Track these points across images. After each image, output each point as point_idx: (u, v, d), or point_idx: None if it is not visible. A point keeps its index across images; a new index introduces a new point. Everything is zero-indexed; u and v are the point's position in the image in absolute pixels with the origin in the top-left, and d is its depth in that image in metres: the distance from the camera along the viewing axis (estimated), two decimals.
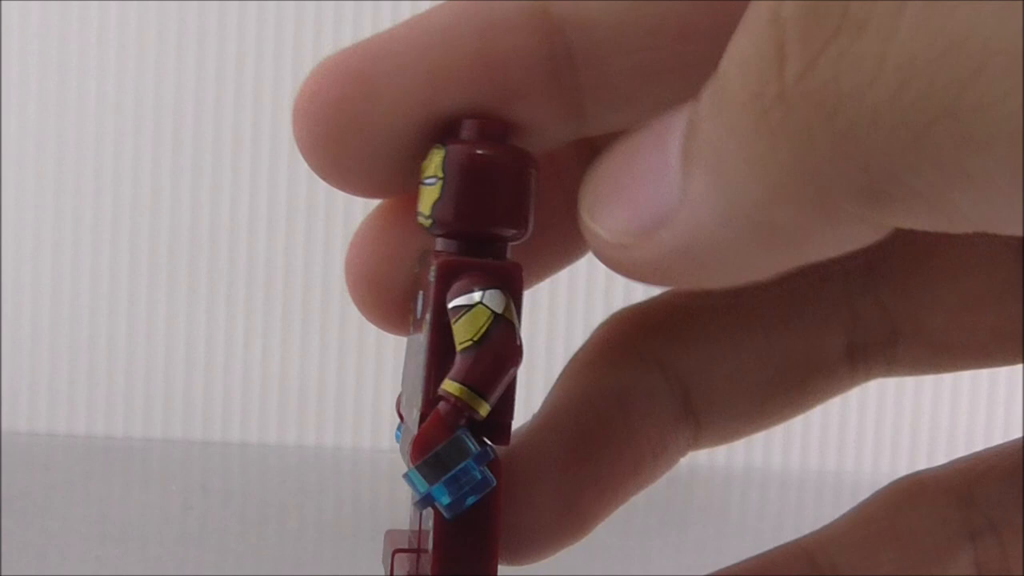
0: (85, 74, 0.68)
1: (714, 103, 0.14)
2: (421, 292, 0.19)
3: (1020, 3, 0.11)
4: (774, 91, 0.12)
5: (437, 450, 0.17)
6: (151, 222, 0.68)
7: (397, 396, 0.21)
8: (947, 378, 0.69)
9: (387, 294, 0.20)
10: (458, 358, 0.17)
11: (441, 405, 0.17)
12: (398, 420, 0.20)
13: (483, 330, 0.17)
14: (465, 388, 0.17)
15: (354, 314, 0.20)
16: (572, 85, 0.18)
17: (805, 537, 0.22)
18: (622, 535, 0.51)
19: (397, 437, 0.20)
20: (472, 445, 0.17)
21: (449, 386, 0.17)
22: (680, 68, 0.17)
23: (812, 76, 0.12)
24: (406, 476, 0.17)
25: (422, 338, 0.18)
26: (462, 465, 0.17)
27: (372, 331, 0.23)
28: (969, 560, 0.21)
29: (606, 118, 0.18)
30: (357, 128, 0.18)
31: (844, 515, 0.22)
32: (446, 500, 0.17)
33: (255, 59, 0.68)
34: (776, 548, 0.22)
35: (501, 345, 0.17)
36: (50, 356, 0.69)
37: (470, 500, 0.17)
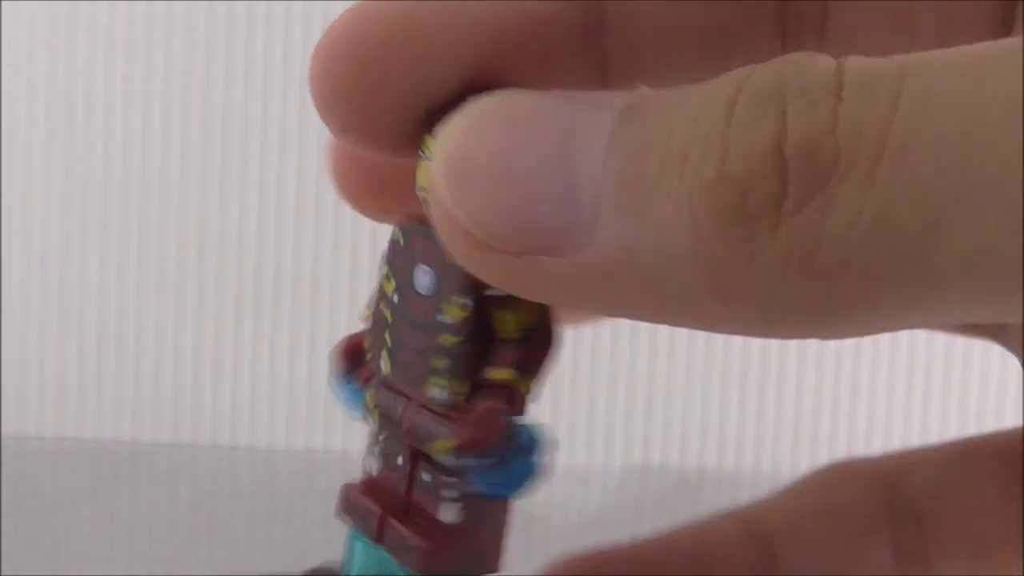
0: (91, 73, 0.68)
1: (675, 188, 0.14)
2: (419, 265, 0.18)
3: (975, 159, 0.12)
4: (769, 222, 0.13)
5: (502, 448, 0.17)
6: (158, 224, 0.68)
7: (338, 345, 0.20)
8: (954, 399, 0.69)
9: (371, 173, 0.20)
10: (512, 348, 0.17)
11: (498, 395, 0.17)
12: (338, 370, 0.20)
13: (536, 320, 0.17)
14: (523, 376, 0.17)
15: None
16: (600, 49, 0.18)
17: (743, 506, 0.23)
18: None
19: (343, 393, 0.20)
20: (536, 435, 0.18)
21: (509, 375, 0.17)
22: (701, 36, 0.18)
23: (803, 214, 0.13)
24: (476, 479, 0.17)
25: (441, 317, 0.18)
26: (524, 460, 0.17)
27: None
28: (887, 540, 0.22)
29: (624, 83, 0.18)
30: (388, 76, 0.17)
31: (781, 489, 0.23)
32: (504, 491, 0.18)
33: (263, 59, 0.68)
34: (715, 514, 0.23)
35: (553, 334, 0.18)
36: (57, 360, 0.69)
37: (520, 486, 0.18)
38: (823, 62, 0.13)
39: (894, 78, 0.13)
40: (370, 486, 0.19)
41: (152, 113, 0.68)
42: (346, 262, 0.68)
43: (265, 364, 0.69)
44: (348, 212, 0.73)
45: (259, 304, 0.69)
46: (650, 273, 0.14)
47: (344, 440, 0.68)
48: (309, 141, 0.67)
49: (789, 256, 0.13)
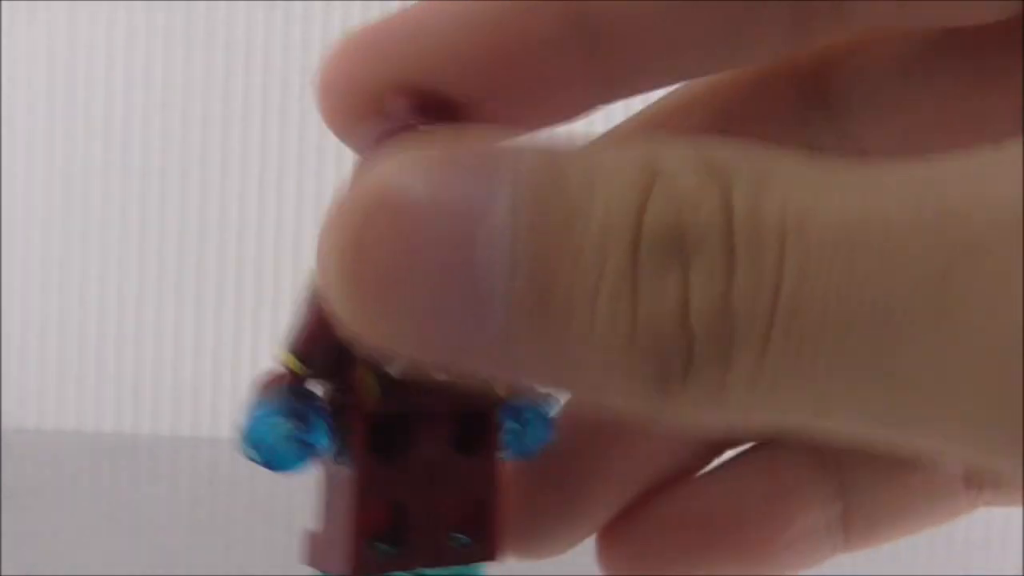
0: (91, 72, 0.68)
1: (587, 331, 0.14)
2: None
3: (854, 339, 0.13)
4: (676, 375, 0.14)
5: None
6: (159, 217, 0.68)
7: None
8: None
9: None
10: None
11: None
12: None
13: None
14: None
15: None
16: (596, 58, 0.18)
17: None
18: None
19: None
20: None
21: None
22: (694, 45, 0.18)
23: (707, 376, 0.14)
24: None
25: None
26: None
27: None
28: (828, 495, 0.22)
29: (630, 86, 0.19)
30: (367, 102, 0.18)
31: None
32: None
33: (262, 59, 0.68)
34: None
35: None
36: (58, 354, 0.69)
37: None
38: (712, 199, 0.14)
39: (776, 237, 0.13)
40: None
41: (152, 112, 0.68)
42: None
43: (265, 357, 0.69)
44: None
45: (259, 298, 0.69)
46: (571, 387, 0.15)
47: None
48: (309, 141, 0.67)
49: (697, 405, 0.14)
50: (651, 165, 0.14)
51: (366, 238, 0.14)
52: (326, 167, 0.66)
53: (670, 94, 0.21)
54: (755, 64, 0.20)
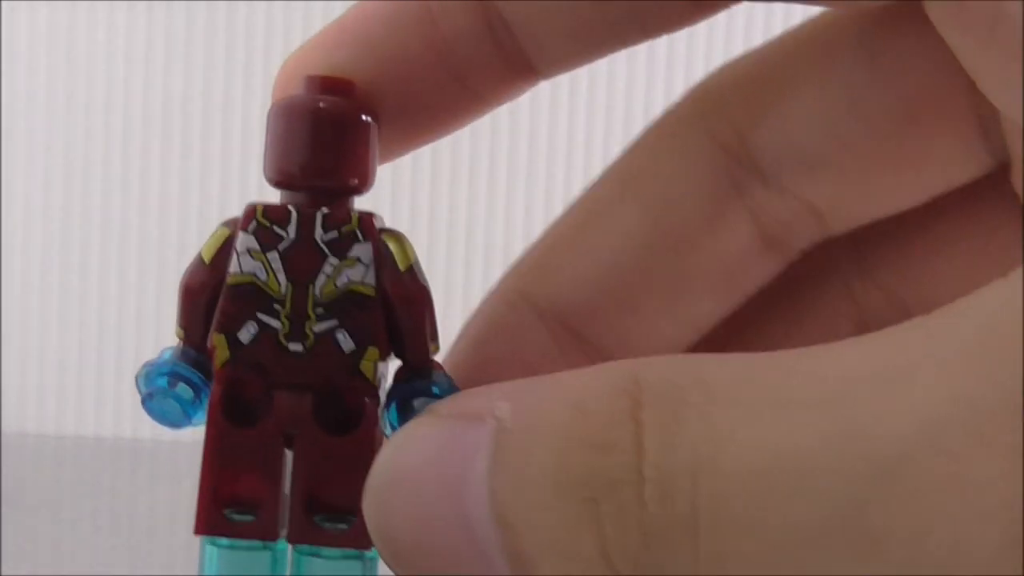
0: (92, 74, 0.68)
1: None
2: None
3: None
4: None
5: None
6: (158, 221, 0.68)
7: None
8: None
9: None
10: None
11: None
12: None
13: None
14: None
15: None
16: (513, 47, 0.19)
17: None
18: None
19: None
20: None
21: None
22: (608, 22, 0.19)
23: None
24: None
25: None
26: None
27: None
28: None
29: (551, 68, 0.20)
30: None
31: None
32: None
33: (263, 61, 0.68)
34: None
35: None
36: (59, 358, 0.69)
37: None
38: (626, 433, 0.14)
39: (689, 476, 0.13)
40: None
41: (152, 112, 0.68)
42: None
43: None
44: None
45: None
46: None
47: None
48: None
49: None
50: (580, 404, 0.15)
51: (382, 507, 0.16)
52: None
53: (594, 187, 0.21)
54: (662, 31, 0.20)
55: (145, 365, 0.19)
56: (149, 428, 0.75)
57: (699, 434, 0.13)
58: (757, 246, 0.20)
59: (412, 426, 0.16)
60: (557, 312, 0.20)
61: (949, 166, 0.20)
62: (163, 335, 0.69)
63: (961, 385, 0.12)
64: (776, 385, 0.13)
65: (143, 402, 0.19)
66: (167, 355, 0.19)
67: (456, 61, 0.19)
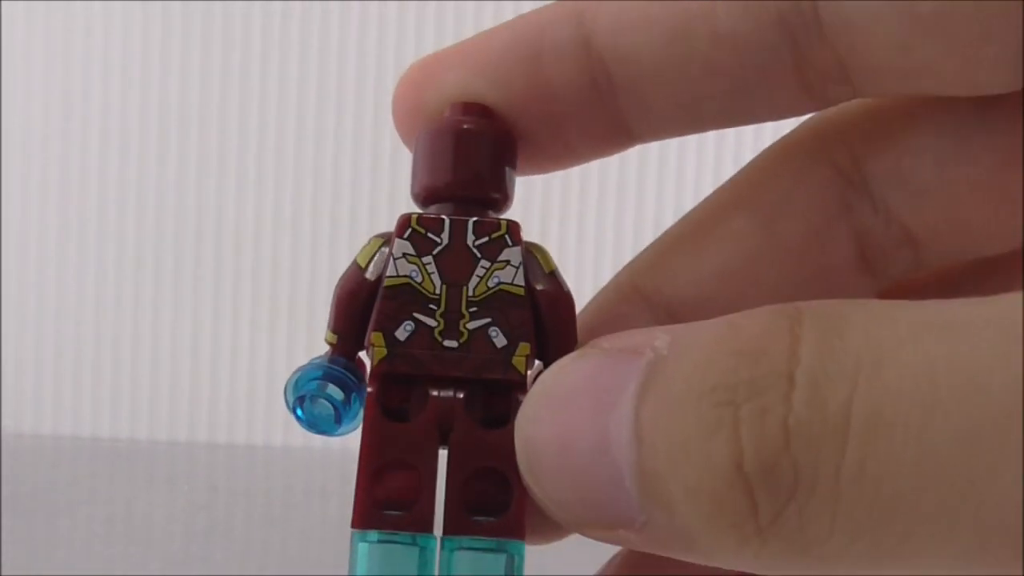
0: (90, 74, 0.68)
1: (681, 486, 0.15)
2: None
3: (929, 490, 0.13)
4: (751, 529, 0.15)
5: None
6: (157, 223, 0.69)
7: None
8: None
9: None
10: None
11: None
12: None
13: None
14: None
15: None
16: (615, 108, 0.20)
17: None
18: None
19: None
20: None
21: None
22: (710, 97, 0.19)
23: (782, 523, 0.14)
24: None
25: None
26: None
27: None
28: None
29: (648, 135, 0.21)
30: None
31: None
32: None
33: (260, 62, 0.68)
34: None
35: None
36: (56, 359, 0.69)
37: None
38: (781, 343, 0.14)
39: (847, 381, 0.14)
40: None
41: (150, 114, 0.68)
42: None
43: (263, 362, 0.69)
44: (347, 211, 0.73)
45: (257, 302, 0.69)
46: (692, 550, 0.16)
47: (342, 439, 0.68)
48: (307, 141, 0.67)
49: (786, 553, 0.15)
50: (734, 322, 0.15)
51: (532, 423, 0.17)
52: (326, 167, 0.66)
53: (711, 196, 0.22)
54: (769, 118, 0.21)
55: (294, 373, 0.19)
56: (147, 429, 0.75)
57: (862, 345, 0.14)
58: (856, 266, 0.21)
59: (574, 355, 0.17)
60: (667, 305, 0.21)
61: None
62: (163, 335, 0.69)
63: None
64: (938, 309, 0.14)
65: (292, 409, 0.20)
66: (316, 362, 0.20)
67: (554, 109, 0.20)
